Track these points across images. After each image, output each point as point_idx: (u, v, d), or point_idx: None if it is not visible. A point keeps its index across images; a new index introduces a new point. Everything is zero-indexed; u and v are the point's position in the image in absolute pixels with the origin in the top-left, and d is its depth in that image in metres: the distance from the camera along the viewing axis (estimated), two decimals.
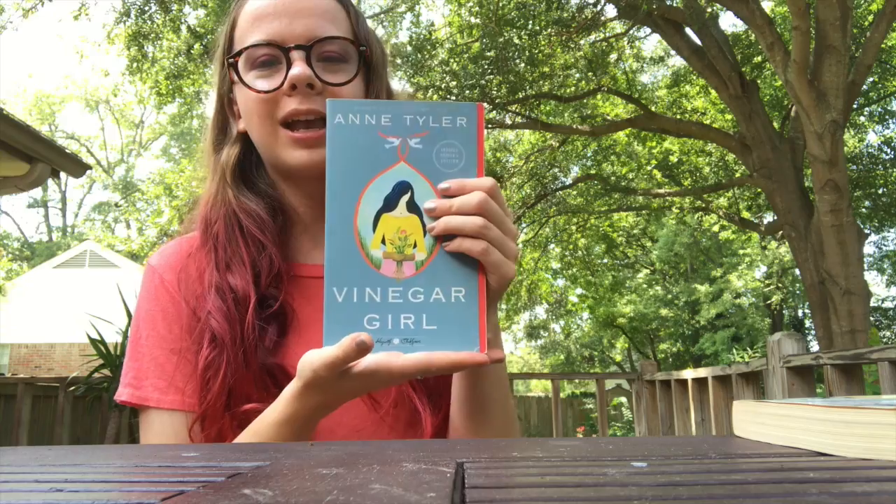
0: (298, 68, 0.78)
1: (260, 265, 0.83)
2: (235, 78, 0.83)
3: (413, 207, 0.63)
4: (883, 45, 8.89)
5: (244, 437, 0.73)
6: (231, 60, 0.83)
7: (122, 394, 0.83)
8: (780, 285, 17.32)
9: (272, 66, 0.81)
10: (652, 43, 17.19)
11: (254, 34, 0.81)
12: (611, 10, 9.02)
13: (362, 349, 0.58)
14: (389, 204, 0.62)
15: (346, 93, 0.82)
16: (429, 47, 8.67)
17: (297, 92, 0.79)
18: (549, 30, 8.31)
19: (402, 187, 0.63)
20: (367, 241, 0.62)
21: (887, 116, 13.65)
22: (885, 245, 19.30)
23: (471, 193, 0.62)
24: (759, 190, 9.44)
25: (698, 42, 7.79)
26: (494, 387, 0.77)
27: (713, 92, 9.13)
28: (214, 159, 0.90)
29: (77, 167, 5.17)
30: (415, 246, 0.62)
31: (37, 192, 29.37)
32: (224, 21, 0.89)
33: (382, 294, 0.61)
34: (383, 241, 0.62)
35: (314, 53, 0.80)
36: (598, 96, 10.43)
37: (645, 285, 19.08)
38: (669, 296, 18.06)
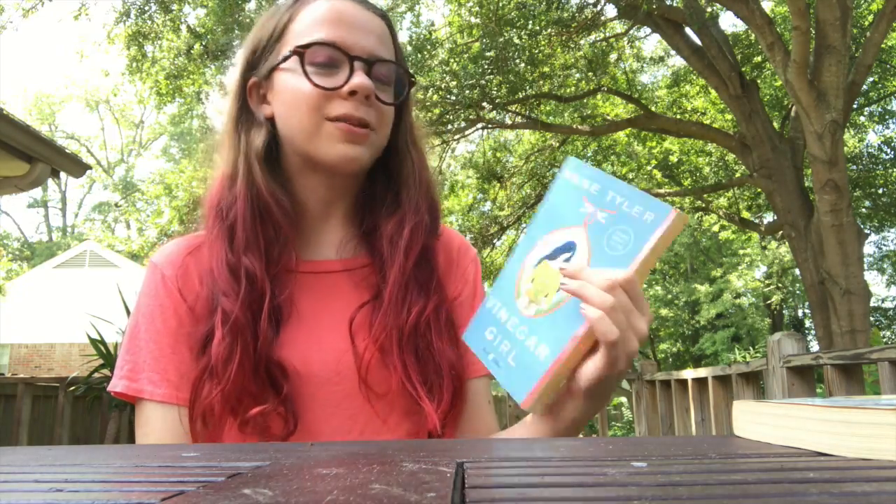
0: (362, 78, 0.82)
1: (271, 255, 0.84)
2: (298, 66, 0.83)
3: None
4: (883, 45, 8.88)
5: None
6: (301, 50, 0.83)
7: (118, 385, 0.83)
8: (780, 285, 17.32)
9: (329, 67, 0.83)
10: (652, 43, 17.19)
11: (319, 33, 0.84)
12: (611, 10, 9.02)
13: None
14: (553, 254, 0.71)
15: (389, 113, 0.87)
16: (429, 47, 8.66)
17: (353, 98, 0.82)
18: (549, 30, 8.31)
19: (568, 246, 0.71)
20: (525, 276, 0.73)
21: (887, 116, 13.65)
22: (885, 245, 19.32)
23: (602, 276, 0.66)
24: (759, 190, 9.44)
25: (698, 42, 7.79)
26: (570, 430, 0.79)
27: (713, 92, 9.13)
28: (237, 138, 0.88)
29: (77, 167, 5.17)
30: (546, 295, 0.71)
31: (37, 192, 29.37)
32: (271, 18, 0.90)
33: (507, 318, 0.73)
34: (533, 280, 0.72)
35: (374, 69, 0.85)
36: (598, 96, 10.43)
37: (645, 285, 19.07)
38: (669, 296, 18.06)
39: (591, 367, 0.68)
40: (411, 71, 0.95)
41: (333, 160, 0.84)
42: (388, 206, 0.90)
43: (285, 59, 0.85)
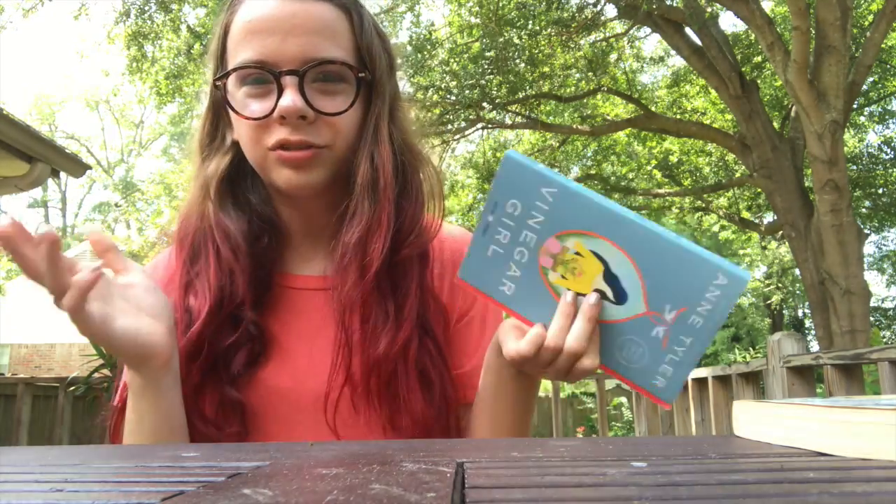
0: (289, 98, 0.73)
1: (225, 291, 0.79)
2: (226, 99, 0.78)
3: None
4: (883, 45, 8.88)
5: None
6: (218, 83, 0.78)
7: (116, 397, 0.85)
8: (780, 285, 17.31)
9: (264, 83, 0.76)
10: (652, 43, 17.17)
11: (245, 50, 0.76)
12: (611, 10, 9.02)
13: None
14: (611, 279, 0.62)
15: (340, 122, 0.77)
16: (429, 47, 8.66)
17: (287, 122, 0.74)
18: (549, 30, 8.31)
19: (622, 295, 0.62)
20: (580, 241, 0.62)
21: (887, 116, 13.64)
22: (885, 245, 19.31)
23: (592, 339, 0.64)
24: (759, 190, 9.44)
25: (698, 42, 7.79)
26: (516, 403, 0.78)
27: (713, 92, 9.13)
28: (200, 166, 0.84)
29: (77, 167, 5.17)
30: (563, 277, 0.64)
31: (37, 192, 29.36)
32: (219, 17, 0.84)
33: (530, 232, 0.64)
34: (577, 254, 0.62)
35: (308, 78, 0.75)
36: (598, 96, 10.43)
37: None
38: None
39: (506, 347, 0.67)
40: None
41: (283, 188, 0.78)
42: (345, 221, 0.80)
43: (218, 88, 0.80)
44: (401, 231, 0.80)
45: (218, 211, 0.81)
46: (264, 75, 0.75)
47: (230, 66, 0.78)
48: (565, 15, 8.27)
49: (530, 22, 8.33)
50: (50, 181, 5.49)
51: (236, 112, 0.77)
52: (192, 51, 8.62)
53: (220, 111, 0.84)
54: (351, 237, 0.78)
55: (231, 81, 0.78)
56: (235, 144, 0.83)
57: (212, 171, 0.82)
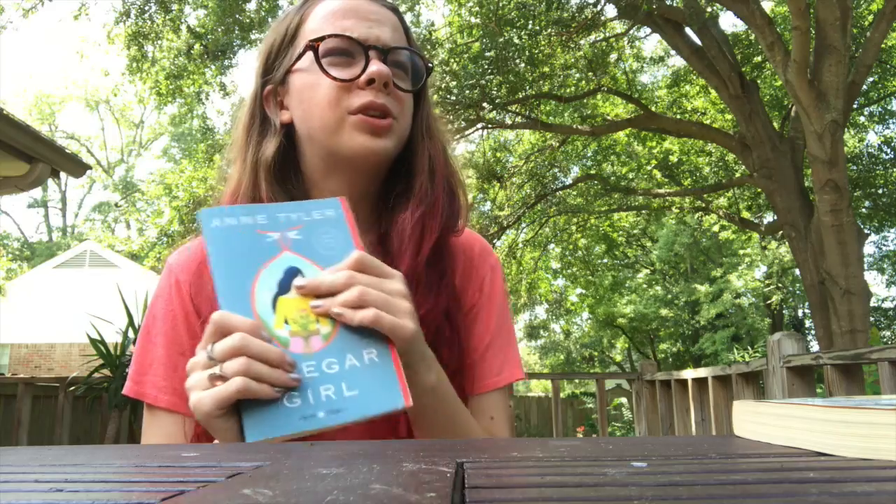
0: (379, 66, 0.81)
1: None
2: (313, 62, 0.82)
3: None
4: (883, 45, 8.88)
5: None
6: (314, 43, 0.83)
7: (126, 386, 0.85)
8: (780, 285, 17.31)
9: (345, 58, 0.83)
10: (652, 43, 17.17)
11: (331, 28, 0.84)
12: (611, 10, 9.02)
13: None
14: (283, 288, 0.64)
15: (408, 101, 0.86)
16: (429, 47, 8.66)
17: (371, 87, 0.81)
18: (549, 30, 8.31)
19: (293, 272, 0.65)
20: (271, 324, 0.62)
21: (887, 116, 13.63)
22: (885, 245, 19.28)
23: (337, 274, 0.64)
24: (759, 190, 9.44)
25: (698, 42, 7.79)
26: (437, 413, 0.76)
27: (713, 92, 9.13)
28: (246, 149, 0.87)
29: (77, 167, 5.17)
30: (317, 321, 0.63)
31: (37, 192, 29.36)
32: (287, 17, 0.89)
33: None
34: (286, 322, 0.62)
35: (389, 58, 0.84)
36: (598, 96, 10.43)
37: (645, 285, 19.09)
38: (669, 296, 18.06)
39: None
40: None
41: (356, 152, 0.82)
42: (403, 200, 0.87)
43: (300, 56, 0.84)
44: (447, 215, 0.87)
45: (272, 192, 0.84)
46: (350, 49, 0.83)
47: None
48: (565, 15, 8.27)
49: (530, 22, 8.33)
50: (50, 181, 5.50)
51: (325, 72, 0.82)
52: (192, 51, 8.62)
53: (265, 96, 0.89)
54: (413, 214, 0.84)
55: (307, 58, 0.84)
56: (284, 128, 0.87)
57: (264, 153, 0.85)
